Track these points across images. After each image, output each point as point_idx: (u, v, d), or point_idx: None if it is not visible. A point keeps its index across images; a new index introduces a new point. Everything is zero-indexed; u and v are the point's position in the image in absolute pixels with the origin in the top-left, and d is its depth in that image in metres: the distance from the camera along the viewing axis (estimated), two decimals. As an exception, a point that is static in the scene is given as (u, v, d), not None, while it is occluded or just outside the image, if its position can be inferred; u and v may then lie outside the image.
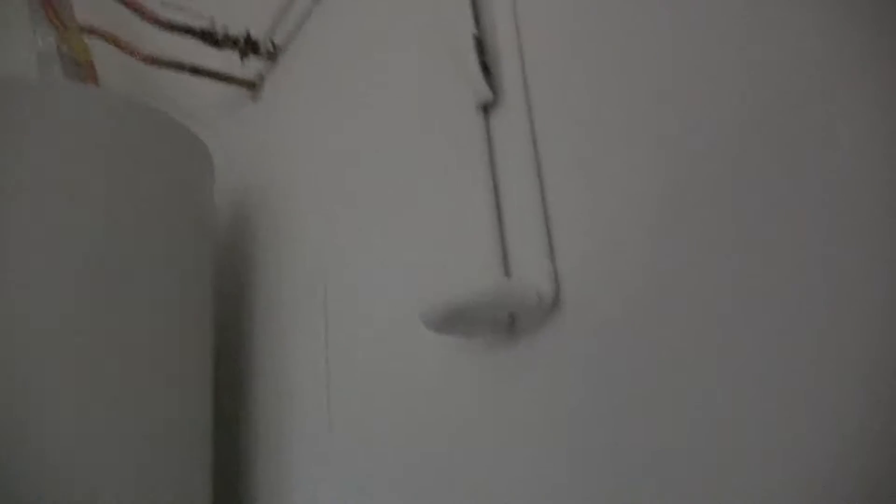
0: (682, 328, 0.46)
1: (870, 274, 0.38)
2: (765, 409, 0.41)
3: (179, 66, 1.11)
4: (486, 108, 0.64)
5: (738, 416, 0.42)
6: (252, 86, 1.18)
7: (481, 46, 0.65)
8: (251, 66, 1.15)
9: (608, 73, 0.55)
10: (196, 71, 1.13)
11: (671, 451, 0.45)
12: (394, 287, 0.74)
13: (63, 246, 0.77)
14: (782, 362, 0.41)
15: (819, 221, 0.40)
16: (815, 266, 0.40)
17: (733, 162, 0.45)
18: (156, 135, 0.89)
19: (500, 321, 0.58)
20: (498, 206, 0.62)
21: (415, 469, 0.68)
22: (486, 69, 0.64)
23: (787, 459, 0.40)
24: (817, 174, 0.41)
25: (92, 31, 1.08)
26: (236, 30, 1.09)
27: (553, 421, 0.54)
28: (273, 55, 1.12)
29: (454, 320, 0.54)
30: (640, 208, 0.50)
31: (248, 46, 1.10)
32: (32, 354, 0.71)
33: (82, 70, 0.97)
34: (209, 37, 1.07)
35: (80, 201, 0.80)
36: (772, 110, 0.44)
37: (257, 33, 1.10)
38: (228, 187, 1.16)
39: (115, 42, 1.08)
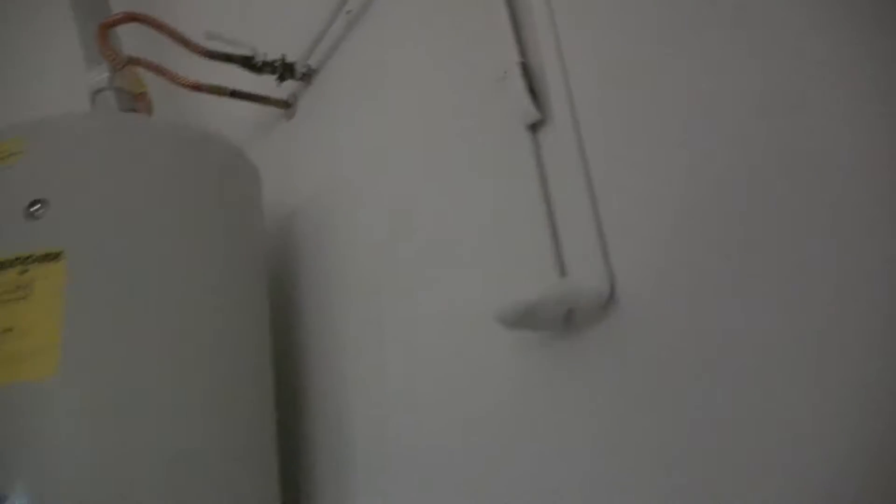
0: (732, 326, 0.53)
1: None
2: (816, 407, 0.47)
3: (220, 91, 1.18)
4: (534, 127, 0.72)
5: (795, 417, 0.49)
6: (286, 105, 1.25)
7: (527, 71, 0.72)
8: (286, 87, 1.22)
9: (647, 87, 0.62)
10: (235, 94, 1.20)
11: (717, 449, 0.52)
12: (452, 291, 0.81)
13: (129, 273, 0.84)
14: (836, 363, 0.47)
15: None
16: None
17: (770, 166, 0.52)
18: (214, 160, 0.96)
19: (558, 318, 0.65)
20: (550, 214, 0.69)
21: (475, 456, 0.75)
22: (533, 92, 0.71)
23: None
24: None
25: (137, 63, 1.15)
26: (273, 55, 1.16)
27: (607, 412, 0.61)
28: (308, 77, 1.19)
29: (525, 318, 0.61)
30: (683, 212, 0.58)
31: (285, 70, 1.17)
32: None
33: (138, 102, 1.03)
34: (249, 63, 1.14)
35: (146, 226, 0.87)
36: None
37: (293, 57, 1.17)
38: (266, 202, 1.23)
39: (159, 72, 1.15)
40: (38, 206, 0.83)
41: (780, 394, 0.50)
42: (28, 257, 0.81)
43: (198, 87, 1.16)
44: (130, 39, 1.21)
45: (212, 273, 0.90)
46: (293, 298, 1.14)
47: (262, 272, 1.00)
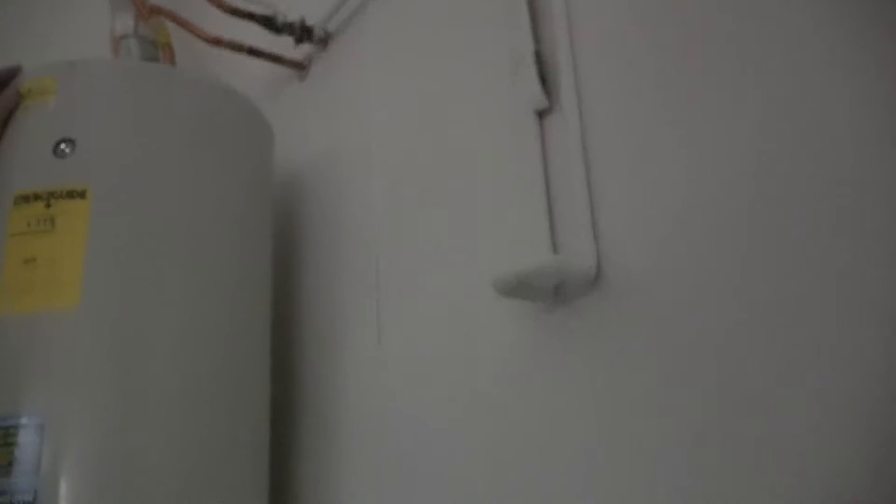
0: (710, 309, 0.60)
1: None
2: (798, 399, 0.53)
3: (239, 48, 1.21)
4: (541, 114, 0.77)
5: (769, 404, 0.55)
6: (301, 67, 1.29)
7: (539, 59, 0.77)
8: (301, 50, 1.26)
9: (653, 83, 0.67)
10: (252, 52, 1.24)
11: (693, 434, 0.59)
12: (451, 261, 0.87)
13: (148, 214, 0.89)
14: (819, 357, 0.53)
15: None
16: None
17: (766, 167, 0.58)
18: (233, 115, 1.01)
19: (549, 290, 0.71)
20: (548, 195, 0.75)
21: (471, 412, 0.81)
22: (543, 79, 0.77)
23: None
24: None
25: (160, 12, 1.18)
26: (293, 16, 1.20)
27: (596, 377, 0.67)
28: (324, 41, 1.23)
29: (518, 287, 0.67)
30: (676, 202, 0.64)
31: (303, 32, 1.20)
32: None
33: (161, 51, 1.07)
34: (270, 23, 1.17)
35: (166, 171, 0.92)
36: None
37: (312, 20, 1.21)
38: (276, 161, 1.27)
39: (181, 23, 1.18)
40: (66, 144, 0.87)
41: (756, 369, 0.56)
42: (54, 192, 0.85)
43: (217, 42, 1.19)
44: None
45: (224, 221, 0.95)
46: (294, 257, 1.19)
47: (267, 227, 1.06)
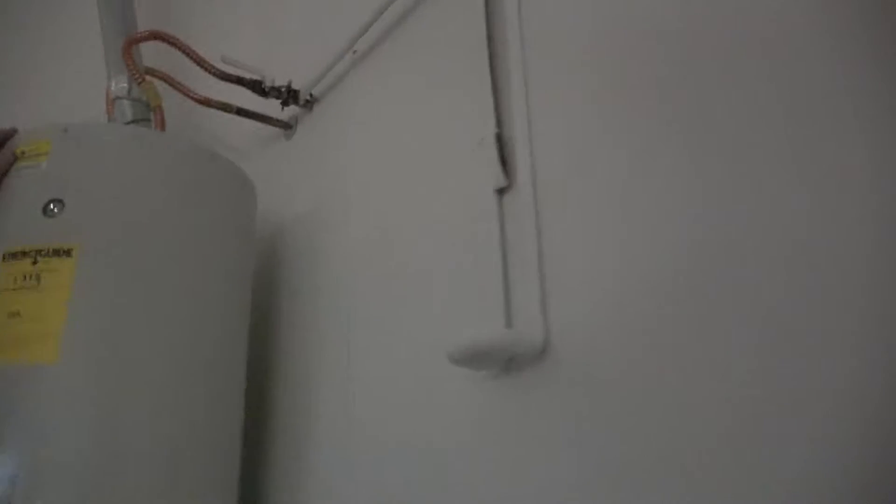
0: (648, 383, 0.64)
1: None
2: (760, 470, 0.58)
3: (227, 108, 1.28)
4: (501, 191, 0.83)
5: (709, 463, 0.60)
6: (287, 126, 1.35)
7: (500, 140, 0.83)
8: (288, 111, 1.32)
9: (601, 164, 0.73)
10: (240, 112, 1.30)
11: (641, 479, 0.63)
12: (414, 326, 0.91)
13: (132, 274, 0.94)
14: (779, 417, 0.58)
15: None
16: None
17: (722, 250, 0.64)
18: (217, 177, 1.06)
19: (501, 361, 0.76)
20: (504, 269, 0.80)
21: (427, 476, 0.85)
22: (504, 160, 0.82)
23: None
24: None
25: (154, 74, 1.24)
26: (280, 81, 1.27)
27: (542, 452, 0.72)
28: (309, 104, 1.29)
29: (471, 358, 0.72)
30: (615, 276, 0.69)
31: (289, 96, 1.27)
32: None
33: (153, 113, 1.13)
34: (258, 87, 1.24)
35: (151, 233, 0.97)
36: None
37: (298, 84, 1.28)
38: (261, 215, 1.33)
39: (174, 85, 1.25)
40: (55, 204, 0.92)
41: (697, 430, 0.61)
42: (41, 250, 0.90)
43: (207, 103, 1.26)
44: (149, 50, 1.30)
45: (206, 279, 1.00)
46: (273, 306, 1.24)
47: (248, 279, 1.10)
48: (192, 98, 1.26)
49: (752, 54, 0.62)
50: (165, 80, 1.26)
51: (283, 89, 1.27)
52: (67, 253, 0.90)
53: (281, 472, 1.10)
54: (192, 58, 1.17)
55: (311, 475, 1.03)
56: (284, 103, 1.28)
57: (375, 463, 0.92)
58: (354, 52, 1.19)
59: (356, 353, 1.01)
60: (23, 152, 0.96)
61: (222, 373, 0.99)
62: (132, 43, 1.13)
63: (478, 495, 0.77)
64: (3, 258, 0.90)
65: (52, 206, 0.92)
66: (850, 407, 0.51)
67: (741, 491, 0.56)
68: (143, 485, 0.85)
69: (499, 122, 0.84)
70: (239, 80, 1.24)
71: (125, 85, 1.14)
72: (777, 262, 0.57)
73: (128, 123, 1.16)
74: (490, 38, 0.89)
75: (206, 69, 1.18)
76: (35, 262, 0.90)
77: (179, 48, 1.15)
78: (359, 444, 0.96)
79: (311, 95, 1.29)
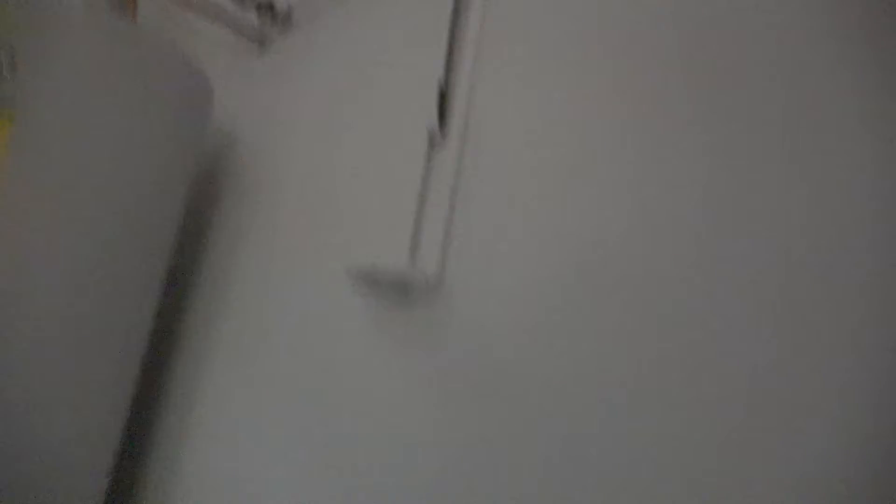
0: (531, 321, 0.73)
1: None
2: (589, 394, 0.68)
3: (205, 10, 1.31)
4: (433, 138, 0.90)
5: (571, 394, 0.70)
6: (260, 39, 1.38)
7: (443, 93, 0.90)
8: (263, 24, 1.35)
9: (536, 134, 0.81)
10: (218, 17, 1.33)
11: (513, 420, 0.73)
12: (329, 249, 0.99)
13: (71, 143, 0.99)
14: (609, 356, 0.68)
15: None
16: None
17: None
18: (166, 65, 1.11)
19: (398, 288, 0.85)
20: (419, 210, 0.88)
21: (328, 386, 0.94)
22: (441, 110, 0.89)
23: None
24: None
25: (136, -39, 1.26)
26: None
27: (431, 372, 0.81)
28: (286, 20, 1.33)
29: (370, 280, 0.80)
30: (516, 235, 0.77)
31: (267, 9, 1.31)
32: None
33: (125, 2, 1.16)
34: (236, -6, 1.27)
35: (94, 110, 1.02)
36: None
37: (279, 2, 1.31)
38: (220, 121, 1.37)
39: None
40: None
41: (555, 368, 0.71)
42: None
43: (184, 2, 1.28)
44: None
45: (143, 163, 1.06)
46: (208, 214, 1.30)
47: (186, 177, 1.16)
48: (170, -7, 1.28)
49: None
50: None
51: (262, 2, 1.30)
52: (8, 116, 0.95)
53: (190, 350, 1.18)
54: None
55: (216, 370, 1.12)
56: (261, 15, 1.31)
57: (284, 366, 1.02)
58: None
59: (276, 267, 1.09)
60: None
61: (142, 248, 1.06)
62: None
63: (370, 401, 0.87)
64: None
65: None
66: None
67: (620, 420, 0.66)
68: (44, 350, 0.93)
69: (446, 74, 0.91)
70: (219, -15, 1.26)
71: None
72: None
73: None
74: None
75: (187, -33, 1.21)
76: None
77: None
78: (270, 350, 1.05)
79: (288, 10, 1.32)
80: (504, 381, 0.73)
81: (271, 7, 1.32)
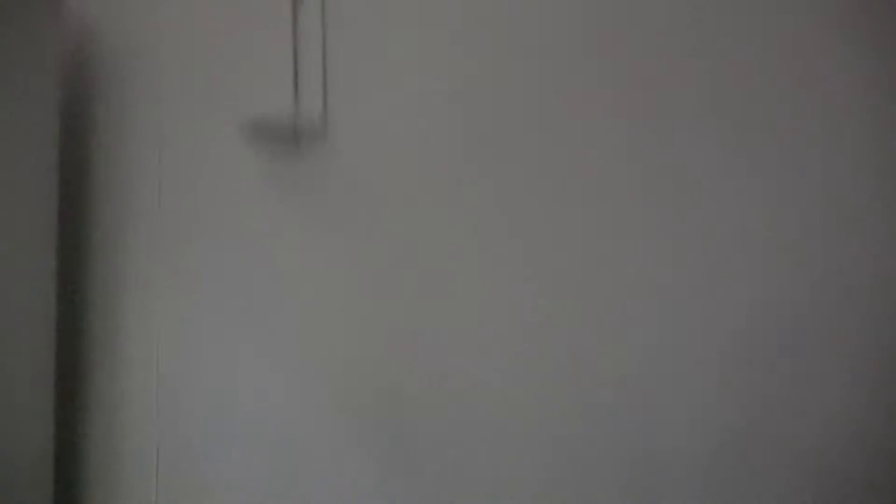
0: (409, 176, 0.80)
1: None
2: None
3: None
4: None
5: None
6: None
7: None
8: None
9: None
10: None
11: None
12: (219, 101, 0.97)
13: None
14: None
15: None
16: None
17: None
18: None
19: (286, 135, 0.88)
20: (295, 58, 0.89)
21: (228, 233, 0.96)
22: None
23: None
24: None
25: None
26: None
27: (321, 213, 0.86)
28: None
29: (259, 130, 0.84)
30: (397, 82, 0.82)
31: None
32: None
33: None
34: None
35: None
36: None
37: None
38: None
39: None
40: None
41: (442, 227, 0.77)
42: None
43: None
44: None
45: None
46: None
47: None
48: None
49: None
50: None
51: None
52: None
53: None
54: None
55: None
56: None
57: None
58: None
59: (168, 134, 1.06)
60: None
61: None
62: None
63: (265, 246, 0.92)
64: None
65: None
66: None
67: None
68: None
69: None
70: None
71: None
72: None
73: None
74: None
75: None
76: None
77: None
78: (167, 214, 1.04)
79: None
80: (385, 219, 0.81)
81: None
